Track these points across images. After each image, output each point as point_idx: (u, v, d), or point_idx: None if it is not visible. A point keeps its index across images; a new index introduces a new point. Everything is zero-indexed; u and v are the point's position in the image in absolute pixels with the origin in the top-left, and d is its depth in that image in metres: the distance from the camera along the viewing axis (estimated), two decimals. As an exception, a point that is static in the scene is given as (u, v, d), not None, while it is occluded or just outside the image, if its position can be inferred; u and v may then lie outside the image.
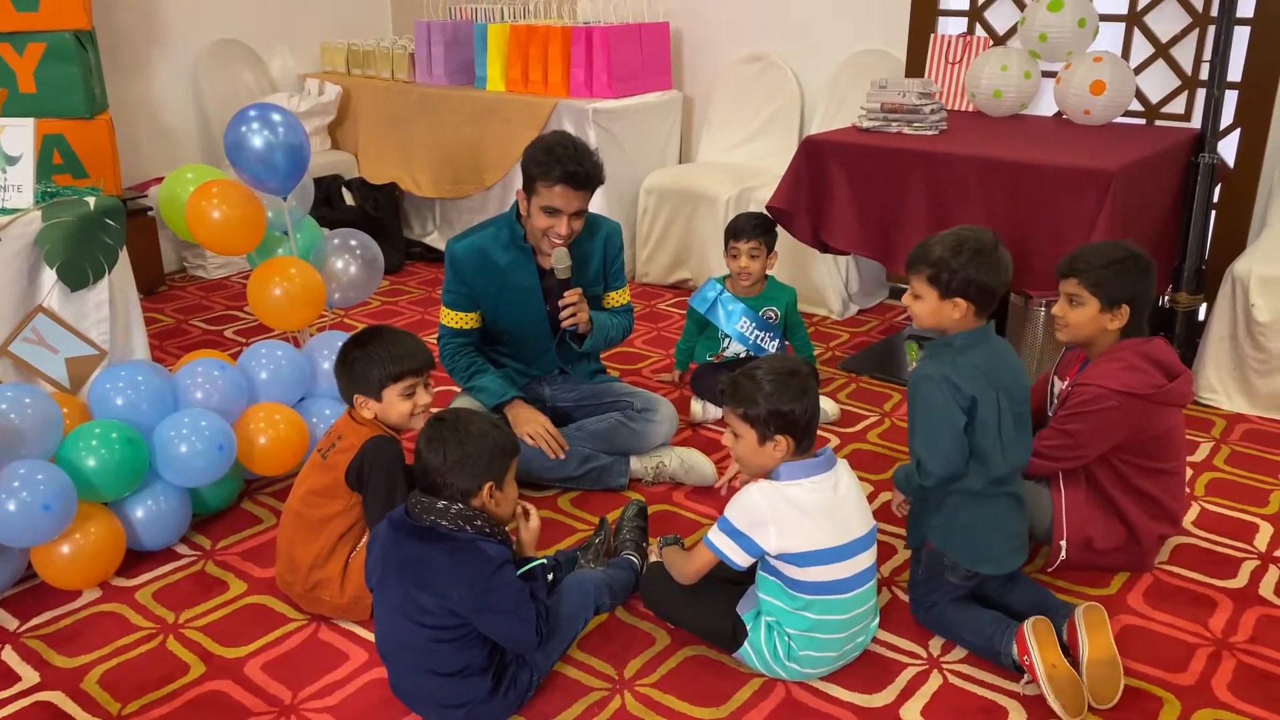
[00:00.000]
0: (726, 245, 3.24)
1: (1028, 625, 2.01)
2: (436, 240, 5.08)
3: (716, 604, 2.10)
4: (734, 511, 1.97)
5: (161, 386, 2.57)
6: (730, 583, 2.12)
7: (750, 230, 3.19)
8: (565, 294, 2.74)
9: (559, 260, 2.71)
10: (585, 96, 4.48)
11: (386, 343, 2.26)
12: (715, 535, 2.00)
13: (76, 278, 2.63)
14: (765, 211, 3.43)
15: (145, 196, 4.51)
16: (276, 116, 2.97)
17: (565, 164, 2.58)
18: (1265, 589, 2.37)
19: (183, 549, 2.58)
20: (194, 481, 2.51)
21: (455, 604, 1.83)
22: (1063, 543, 2.35)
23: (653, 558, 2.27)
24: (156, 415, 2.51)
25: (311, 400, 2.86)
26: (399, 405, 2.24)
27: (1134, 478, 2.33)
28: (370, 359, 2.22)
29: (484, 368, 2.86)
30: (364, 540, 2.24)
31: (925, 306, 2.15)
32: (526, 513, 2.06)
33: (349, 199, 4.89)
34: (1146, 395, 2.24)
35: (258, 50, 5.22)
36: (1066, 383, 2.42)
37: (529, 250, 2.77)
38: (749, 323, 3.18)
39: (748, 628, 2.05)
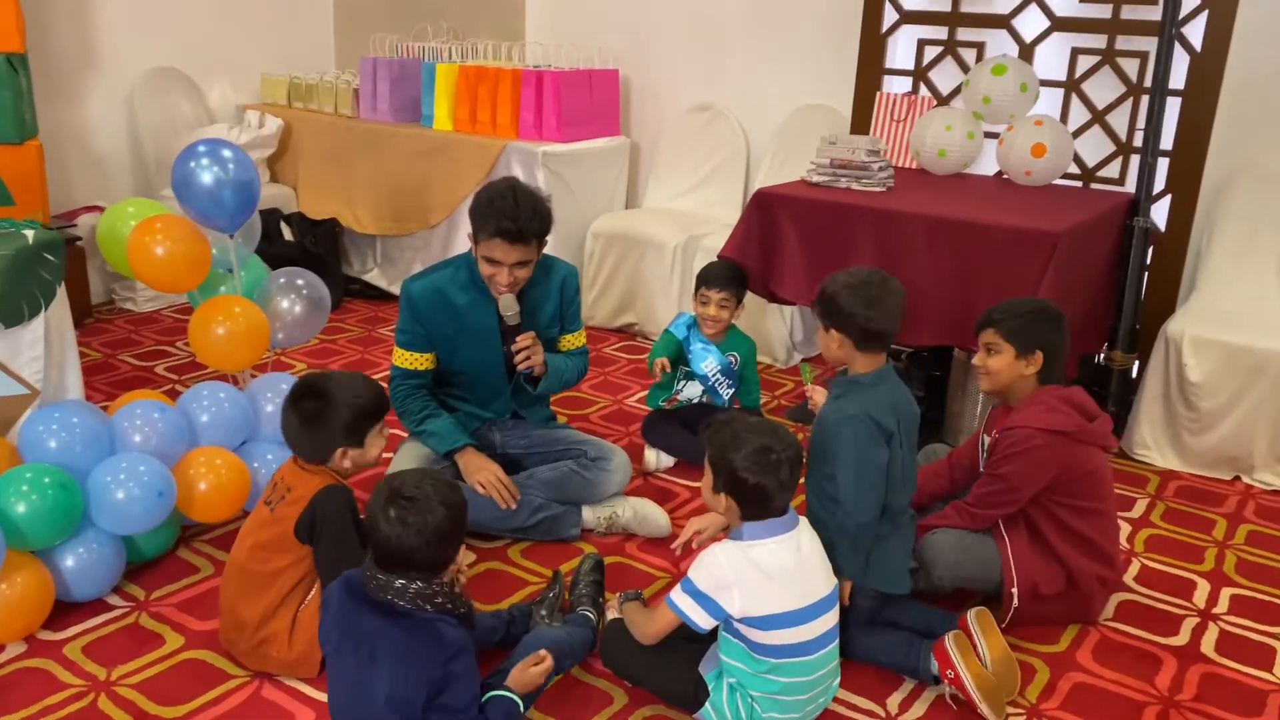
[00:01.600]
0: (697, 290, 3.26)
1: (949, 640, 2.16)
2: (377, 277, 5.00)
3: (677, 663, 2.07)
4: (697, 572, 1.95)
5: (98, 429, 2.46)
6: (691, 640, 2.09)
7: (724, 281, 3.22)
8: (518, 338, 2.72)
9: (506, 307, 2.70)
10: (534, 139, 4.47)
11: (350, 387, 2.18)
12: (678, 595, 1.97)
13: (11, 314, 2.52)
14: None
15: (74, 225, 4.36)
16: (227, 153, 2.90)
17: (500, 219, 2.56)
18: (1206, 646, 2.43)
19: (115, 600, 2.46)
20: (131, 529, 2.41)
21: (407, 688, 1.76)
22: (1014, 590, 2.39)
23: (612, 614, 2.23)
24: (92, 459, 2.41)
25: (254, 444, 2.77)
26: (378, 442, 2.23)
27: (1067, 518, 2.40)
28: (349, 407, 2.15)
29: (436, 412, 2.81)
30: (313, 593, 2.17)
31: (843, 351, 2.33)
32: (540, 660, 2.01)
33: (287, 234, 4.79)
34: (1070, 432, 2.35)
35: (196, 80, 5.11)
36: (995, 433, 2.48)
37: (487, 291, 2.74)
38: (714, 364, 3.18)
39: (709, 688, 2.02)
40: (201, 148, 2.92)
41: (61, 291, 2.66)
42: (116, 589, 2.48)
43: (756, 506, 1.95)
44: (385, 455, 3.12)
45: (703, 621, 1.94)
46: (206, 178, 2.87)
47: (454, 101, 4.69)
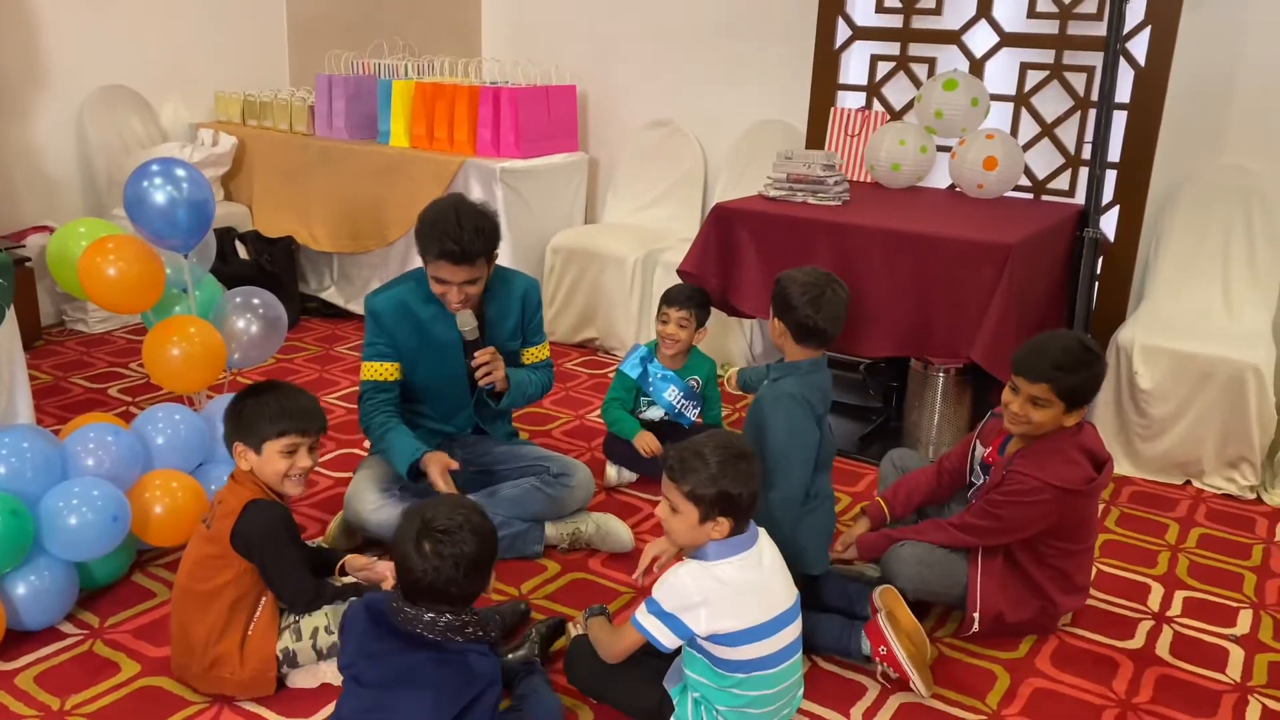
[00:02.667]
0: (659, 310, 3.27)
1: (881, 619, 2.24)
2: (334, 295, 4.96)
3: (642, 678, 2.07)
4: (662, 592, 1.94)
5: (49, 453, 2.41)
6: (655, 655, 2.08)
7: (684, 301, 3.23)
8: (477, 353, 2.71)
9: (463, 323, 2.69)
10: (492, 156, 4.47)
11: (281, 396, 2.18)
12: (643, 615, 1.96)
13: (-43, 337, 2.47)
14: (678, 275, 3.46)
15: (23, 246, 4.28)
16: (180, 171, 2.87)
17: (443, 241, 2.55)
18: (1161, 649, 2.48)
19: (68, 628, 2.41)
20: (84, 555, 2.36)
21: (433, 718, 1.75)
22: (975, 615, 2.41)
23: (578, 630, 2.22)
24: (43, 484, 2.36)
25: (210, 466, 2.74)
26: (276, 462, 2.15)
27: (1051, 557, 2.41)
28: (260, 408, 2.15)
29: (395, 427, 2.77)
30: (260, 609, 2.15)
31: (782, 340, 2.49)
32: None
33: (243, 252, 4.74)
34: (1080, 490, 2.33)
35: (148, 98, 5.04)
36: (990, 451, 2.50)
37: None
38: (676, 391, 3.21)
39: (674, 703, 2.02)
40: (155, 166, 2.88)
41: (10, 314, 2.61)
42: (69, 616, 2.43)
43: (748, 515, 1.96)
44: (345, 475, 3.10)
45: (668, 641, 1.94)
46: (160, 197, 2.83)
47: (410, 118, 4.68)
